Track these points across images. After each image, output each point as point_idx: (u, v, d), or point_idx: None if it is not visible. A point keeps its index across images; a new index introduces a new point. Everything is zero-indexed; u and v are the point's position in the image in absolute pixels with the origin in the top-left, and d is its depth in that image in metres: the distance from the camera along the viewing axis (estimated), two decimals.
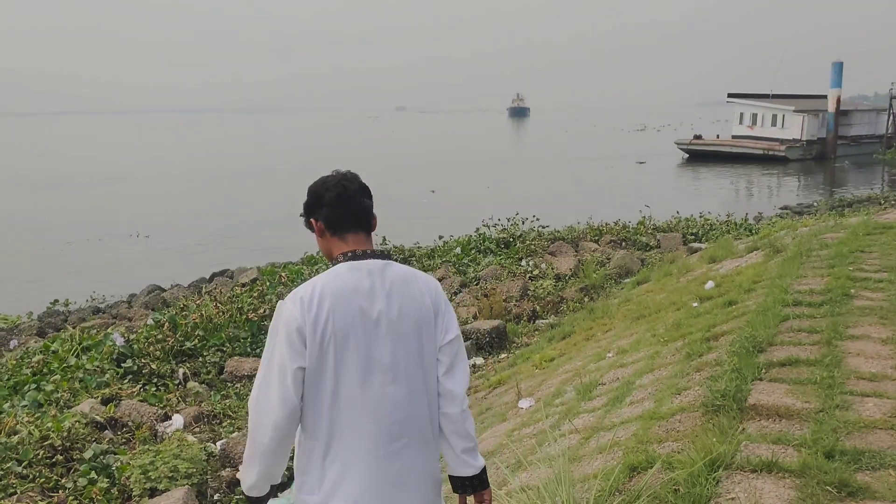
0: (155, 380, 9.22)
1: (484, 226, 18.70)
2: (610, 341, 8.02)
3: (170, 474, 6.60)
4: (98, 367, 9.27)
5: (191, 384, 9.23)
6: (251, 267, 16.91)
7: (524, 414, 6.36)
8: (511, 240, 17.29)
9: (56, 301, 18.08)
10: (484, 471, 2.61)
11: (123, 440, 7.95)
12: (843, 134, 52.08)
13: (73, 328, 10.73)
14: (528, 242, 16.68)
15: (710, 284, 8.71)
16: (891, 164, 46.51)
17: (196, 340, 10.08)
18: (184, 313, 10.75)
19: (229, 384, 9.48)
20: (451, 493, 2.69)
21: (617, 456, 4.28)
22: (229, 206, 34.82)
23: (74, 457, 7.19)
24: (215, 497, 6.70)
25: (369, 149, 63.67)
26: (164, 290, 16.98)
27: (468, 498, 2.64)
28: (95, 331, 10.89)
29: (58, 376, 9.02)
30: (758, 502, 3.38)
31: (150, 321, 10.84)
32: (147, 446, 7.29)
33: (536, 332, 11.29)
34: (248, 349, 10.14)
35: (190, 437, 7.51)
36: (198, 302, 11.01)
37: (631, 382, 5.82)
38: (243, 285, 13.19)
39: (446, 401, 2.53)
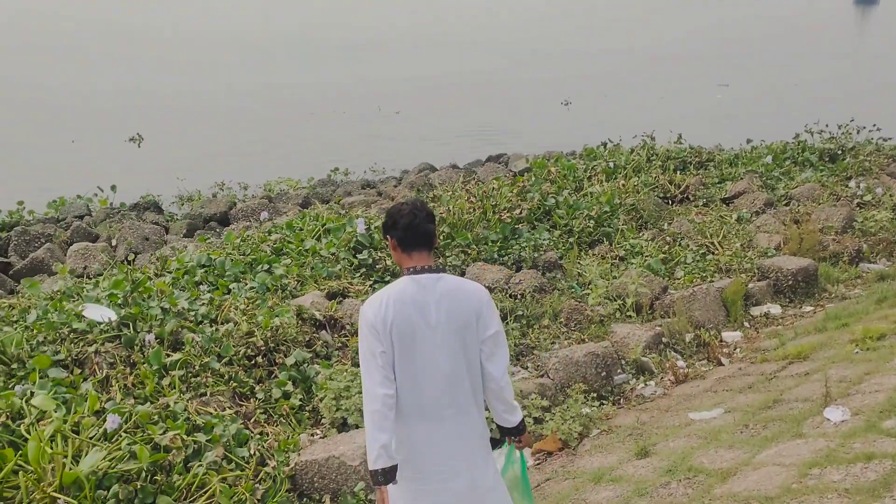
0: (388, 277, 8.26)
1: (806, 131, 15.36)
2: None
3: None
4: (333, 254, 8.50)
5: None
6: (525, 155, 15.52)
7: (832, 432, 4.32)
8: (839, 152, 14.00)
9: (336, 170, 18.16)
10: (522, 422, 3.50)
11: (338, 345, 7.09)
12: None
13: (326, 204, 10.11)
14: (861, 158, 13.35)
15: None
16: None
17: (439, 237, 8.95)
18: (433, 204, 9.64)
19: None
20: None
21: None
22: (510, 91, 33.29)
23: (277, 360, 6.43)
24: None
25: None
26: (434, 170, 16.25)
27: (511, 438, 3.58)
28: (344, 211, 10.22)
29: (289, 260, 8.37)
30: None
31: None
32: (349, 366, 6.32)
33: (859, 282, 8.68)
34: (496, 255, 8.81)
35: None
36: (450, 193, 9.84)
37: None
38: (513, 174, 11.82)
39: (488, 379, 3.34)
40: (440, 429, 3.22)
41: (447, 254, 8.76)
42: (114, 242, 10.78)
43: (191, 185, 16.15)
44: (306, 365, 6.37)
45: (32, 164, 19.62)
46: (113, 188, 14.61)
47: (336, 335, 7.23)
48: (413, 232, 3.24)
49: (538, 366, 6.67)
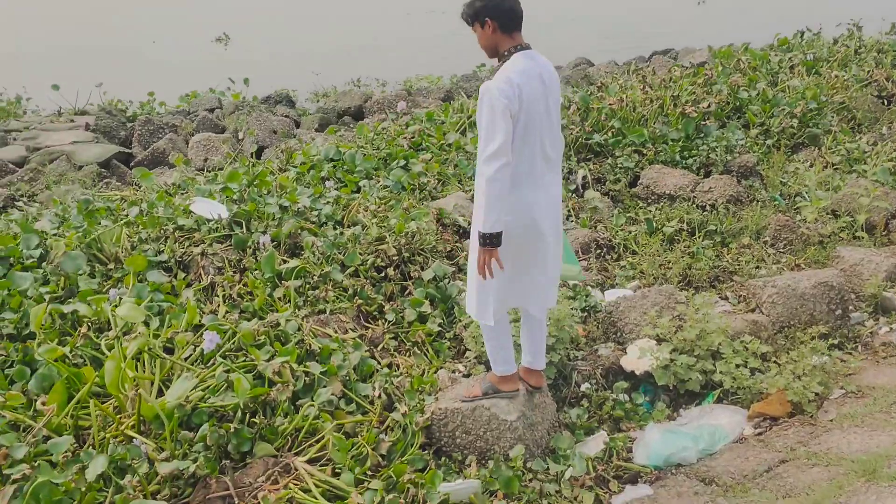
0: None
1: None
2: None
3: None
4: None
5: (590, 194, 6.70)
6: (699, 48, 13.40)
7: None
8: None
9: (482, 66, 16.61)
10: None
11: None
12: None
13: (471, 98, 8.70)
14: None
15: None
16: None
17: (609, 134, 7.40)
18: (600, 94, 8.04)
19: (641, 202, 6.75)
20: None
21: None
22: None
23: (412, 273, 5.23)
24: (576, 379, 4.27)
25: None
26: (591, 66, 14.43)
27: None
28: None
29: (429, 156, 7.10)
30: None
31: None
32: None
33: None
34: (678, 157, 7.19)
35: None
36: (620, 82, 8.18)
37: None
38: (685, 68, 9.94)
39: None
40: (544, 192, 3.47)
41: (617, 153, 7.21)
42: (240, 135, 9.86)
43: (326, 81, 15.13)
44: (447, 281, 5.14)
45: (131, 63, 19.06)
46: (246, 81, 13.78)
47: None
48: (516, 13, 3.40)
49: (742, 297, 5.15)
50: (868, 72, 9.83)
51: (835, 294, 4.81)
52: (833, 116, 8.45)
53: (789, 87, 8.94)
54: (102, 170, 8.54)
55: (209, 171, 7.96)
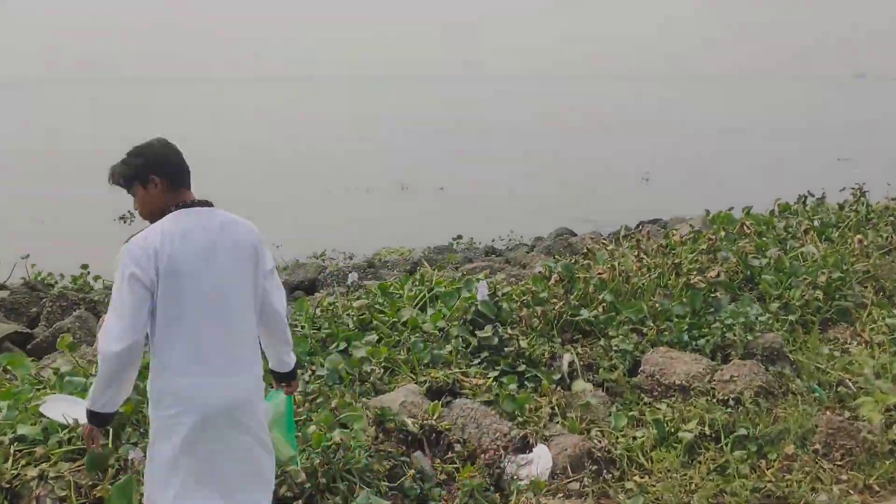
0: (522, 366, 5.43)
1: None
2: None
3: None
4: (442, 330, 5.77)
5: (579, 385, 5.25)
6: (691, 217, 12.43)
7: None
8: None
9: (459, 237, 15.63)
10: (296, 365, 3.47)
11: (440, 478, 4.25)
12: None
13: (433, 269, 7.41)
14: None
15: None
16: None
17: (599, 309, 6.06)
18: (585, 263, 6.76)
19: (645, 395, 5.27)
20: None
21: None
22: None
23: None
24: None
25: None
26: (573, 235, 13.41)
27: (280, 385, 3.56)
28: (461, 274, 7.51)
29: (376, 337, 5.69)
30: None
31: (536, 269, 7.12)
32: None
33: None
34: (685, 336, 5.81)
35: None
36: (610, 248, 6.94)
37: None
38: (682, 235, 8.80)
39: (275, 319, 3.22)
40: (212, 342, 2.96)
41: (611, 333, 5.83)
42: None
43: (288, 254, 14.00)
44: None
45: None
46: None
47: (437, 459, 4.41)
48: (183, 167, 3.05)
49: None
50: (887, 238, 8.74)
51: None
52: (858, 287, 7.20)
53: (802, 254, 7.76)
54: None
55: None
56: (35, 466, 3.85)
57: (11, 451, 3.96)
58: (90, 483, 3.79)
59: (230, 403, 2.92)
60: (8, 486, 3.78)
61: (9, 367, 5.47)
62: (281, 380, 3.44)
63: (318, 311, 6.45)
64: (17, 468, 3.86)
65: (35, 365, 5.77)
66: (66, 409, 4.16)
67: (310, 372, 5.21)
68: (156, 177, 2.95)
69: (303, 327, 6.03)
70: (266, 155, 29.86)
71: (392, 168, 27.97)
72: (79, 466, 3.88)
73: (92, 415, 2.89)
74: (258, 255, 3.05)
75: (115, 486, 3.54)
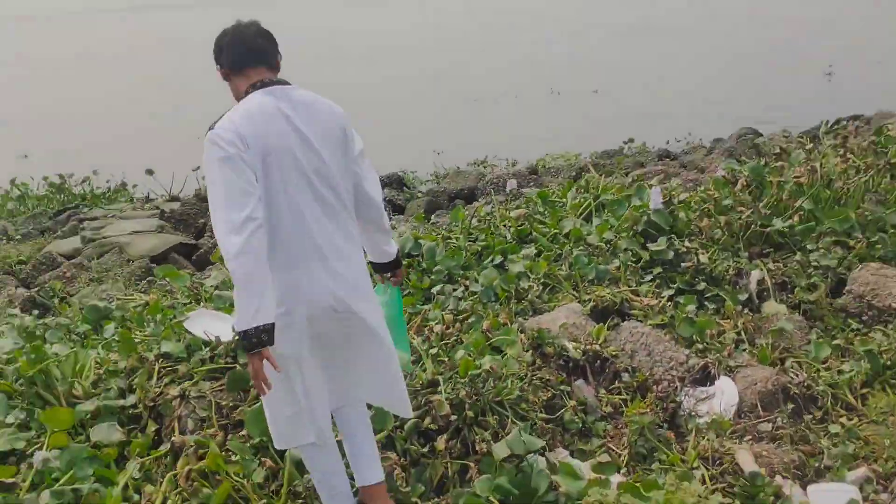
0: (700, 284, 4.77)
1: None
2: None
3: None
4: (608, 242, 5.18)
5: (771, 307, 4.54)
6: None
7: None
8: None
9: (631, 140, 14.66)
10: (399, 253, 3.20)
11: (605, 410, 3.75)
12: None
13: (599, 174, 6.73)
14: None
15: None
16: None
17: (795, 218, 5.22)
18: (778, 165, 5.84)
19: (852, 320, 4.47)
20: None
21: None
22: None
23: (477, 444, 3.25)
24: None
25: None
26: (758, 136, 12.10)
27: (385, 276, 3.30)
28: (632, 180, 6.78)
29: (533, 250, 5.20)
30: None
31: (718, 173, 6.29)
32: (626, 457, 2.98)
33: None
34: None
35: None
36: (808, 147, 5.97)
37: None
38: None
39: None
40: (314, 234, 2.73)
41: (809, 246, 5.00)
42: None
43: (448, 160, 13.66)
44: (533, 460, 3.13)
45: None
46: None
47: (602, 389, 3.92)
48: (244, 45, 2.79)
49: None
50: None
51: None
52: None
53: None
54: (153, 265, 7.23)
55: None
56: (177, 385, 3.74)
57: (156, 368, 3.87)
58: (231, 404, 3.63)
59: (338, 295, 2.68)
60: (152, 403, 3.70)
61: (167, 279, 5.52)
62: (384, 270, 3.17)
63: (474, 220, 6.04)
64: (160, 386, 3.76)
65: (193, 278, 5.79)
66: (208, 325, 4.02)
67: (462, 287, 4.83)
68: (218, 67, 2.85)
69: (457, 238, 5.64)
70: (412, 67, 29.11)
71: (536, 74, 26.46)
72: (220, 386, 3.73)
73: (247, 338, 2.46)
74: (346, 136, 2.77)
75: (249, 410, 3.32)
